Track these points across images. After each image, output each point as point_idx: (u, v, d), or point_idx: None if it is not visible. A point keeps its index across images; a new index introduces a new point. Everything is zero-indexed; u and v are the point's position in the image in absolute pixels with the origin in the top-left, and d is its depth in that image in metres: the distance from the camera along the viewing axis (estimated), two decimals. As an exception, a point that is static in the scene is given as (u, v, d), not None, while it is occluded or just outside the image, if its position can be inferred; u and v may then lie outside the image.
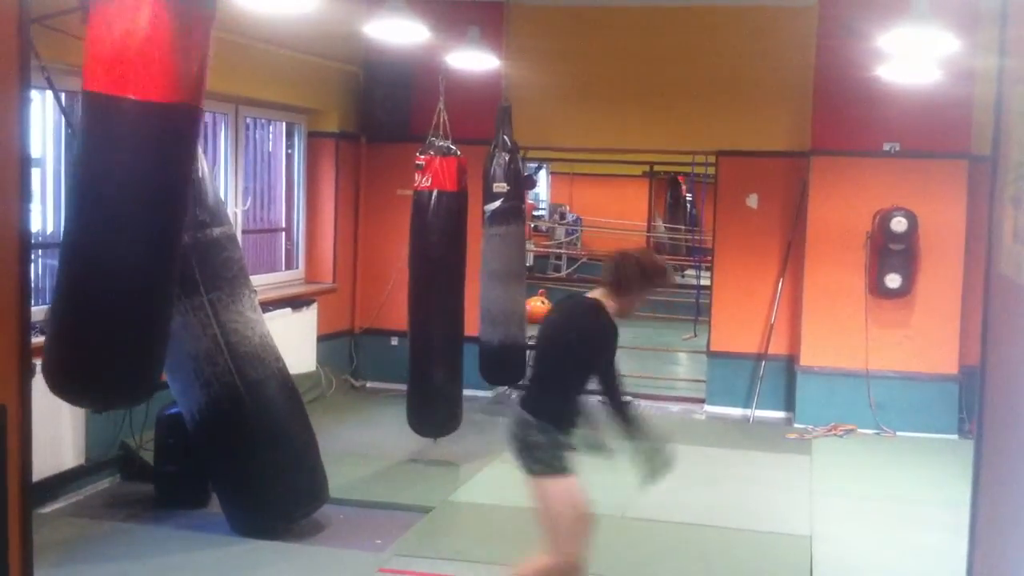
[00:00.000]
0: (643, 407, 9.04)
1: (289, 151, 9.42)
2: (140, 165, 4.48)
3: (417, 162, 7.03)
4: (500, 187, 8.31)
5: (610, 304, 4.21)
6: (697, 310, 13.07)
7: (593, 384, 4.22)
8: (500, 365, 8.58)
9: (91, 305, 4.57)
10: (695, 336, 12.79)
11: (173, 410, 5.96)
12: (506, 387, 9.46)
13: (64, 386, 4.74)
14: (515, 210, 8.43)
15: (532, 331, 6.00)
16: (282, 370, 5.77)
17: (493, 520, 6.02)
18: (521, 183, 8.88)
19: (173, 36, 4.35)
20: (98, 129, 4.45)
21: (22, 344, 2.20)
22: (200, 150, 5.26)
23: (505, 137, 8.38)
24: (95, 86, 4.39)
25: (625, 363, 4.57)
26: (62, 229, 4.89)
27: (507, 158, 8.36)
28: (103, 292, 4.55)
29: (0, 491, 2.14)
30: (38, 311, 5.98)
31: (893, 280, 8.47)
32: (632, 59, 9.25)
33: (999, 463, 1.99)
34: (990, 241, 2.12)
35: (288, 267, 9.42)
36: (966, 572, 2.14)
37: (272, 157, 9.31)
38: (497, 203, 8.30)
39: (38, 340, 5.62)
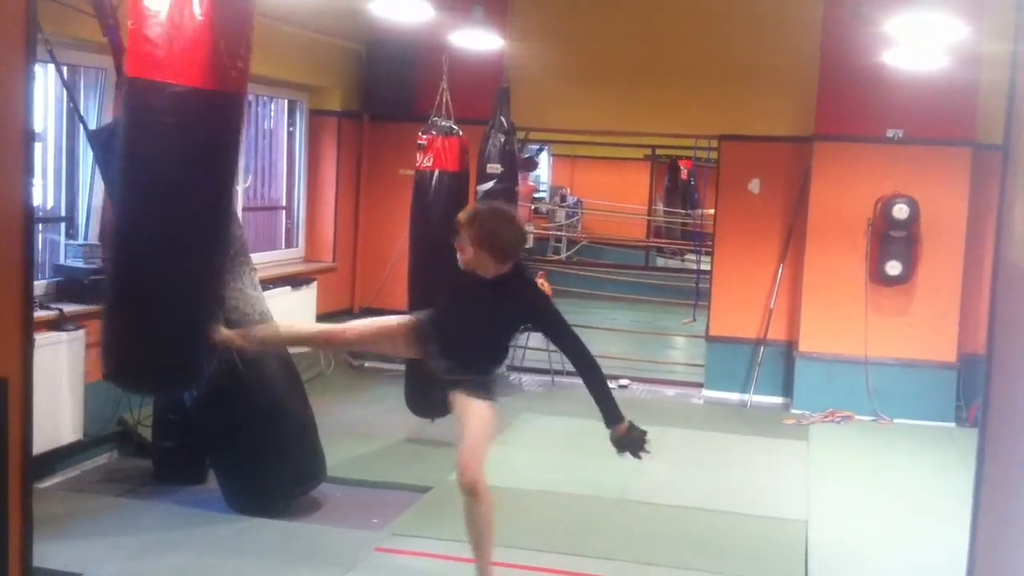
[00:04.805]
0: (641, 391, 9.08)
1: (291, 129, 9.38)
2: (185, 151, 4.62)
3: (419, 141, 7.01)
4: (494, 168, 8.27)
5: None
6: (696, 294, 13.05)
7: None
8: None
9: (136, 292, 4.74)
10: (694, 321, 12.77)
11: (172, 386, 5.95)
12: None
13: (119, 375, 4.91)
14: (507, 192, 8.37)
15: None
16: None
17: (490, 501, 6.01)
18: (516, 165, 8.84)
19: (217, 24, 4.42)
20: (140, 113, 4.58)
21: (24, 317, 2.20)
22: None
23: (502, 118, 8.34)
24: (137, 71, 4.51)
25: (624, 346, 4.58)
26: (116, 219, 4.98)
27: (503, 139, 8.31)
28: (148, 279, 4.71)
29: (0, 464, 2.14)
30: (39, 285, 6.01)
31: (893, 267, 8.47)
32: (636, 41, 9.21)
33: (1004, 451, 1.98)
34: (999, 229, 2.11)
35: (288, 245, 9.41)
36: (967, 561, 2.14)
37: (273, 135, 9.28)
38: (490, 184, 8.25)
39: (40, 314, 5.66)
